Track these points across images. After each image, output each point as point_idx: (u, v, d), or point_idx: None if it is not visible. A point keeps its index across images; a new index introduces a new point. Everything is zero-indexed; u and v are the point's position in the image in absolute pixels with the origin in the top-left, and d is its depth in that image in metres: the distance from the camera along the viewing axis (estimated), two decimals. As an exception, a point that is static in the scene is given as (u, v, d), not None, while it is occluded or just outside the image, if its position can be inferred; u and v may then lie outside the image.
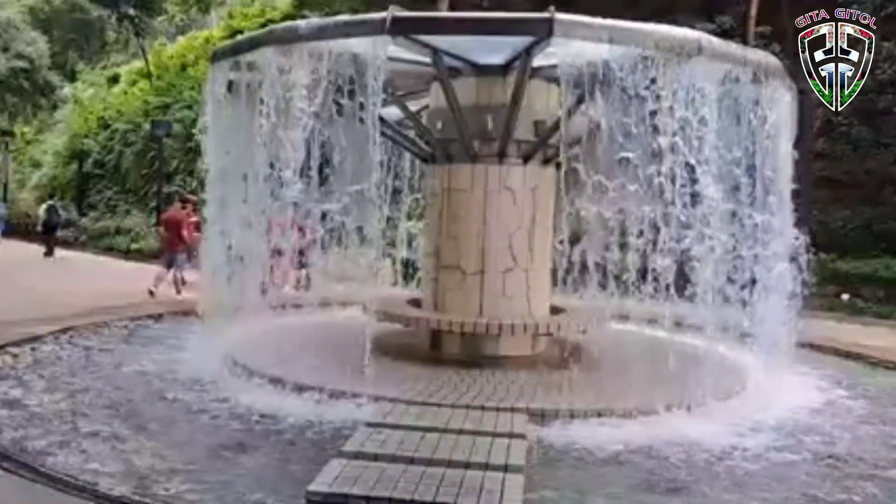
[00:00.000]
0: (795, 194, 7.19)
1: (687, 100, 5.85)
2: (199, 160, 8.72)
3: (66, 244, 23.20)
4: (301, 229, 7.59)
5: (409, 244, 10.71)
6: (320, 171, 6.61)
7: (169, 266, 12.46)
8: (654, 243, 5.90)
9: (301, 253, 9.96)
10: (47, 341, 7.74)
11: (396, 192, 9.21)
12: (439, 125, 7.39)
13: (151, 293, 11.84)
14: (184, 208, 12.94)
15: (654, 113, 5.90)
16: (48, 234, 20.21)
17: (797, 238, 6.84)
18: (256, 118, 6.45)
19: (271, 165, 6.48)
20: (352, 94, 6.25)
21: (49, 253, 19.71)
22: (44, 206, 21.43)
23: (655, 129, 5.92)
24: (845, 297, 14.13)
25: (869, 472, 4.89)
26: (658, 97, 5.86)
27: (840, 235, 15.39)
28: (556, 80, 6.58)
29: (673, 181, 5.82)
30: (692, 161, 5.83)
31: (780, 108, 6.78)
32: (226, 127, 7.44)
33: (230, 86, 7.28)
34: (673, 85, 5.83)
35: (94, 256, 20.89)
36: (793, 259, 6.79)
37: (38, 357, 7.17)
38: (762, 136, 6.57)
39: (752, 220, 6.44)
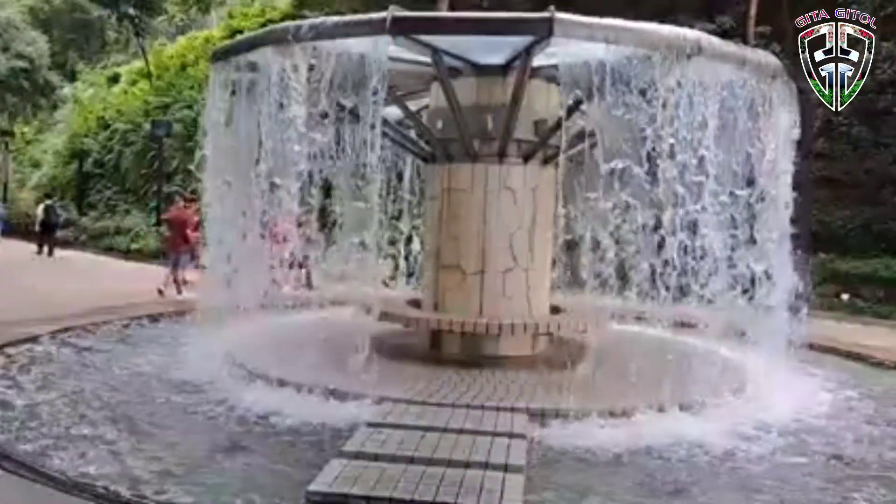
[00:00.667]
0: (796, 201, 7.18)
1: (686, 139, 5.83)
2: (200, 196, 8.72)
3: (66, 244, 23.20)
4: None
5: (409, 265, 10.76)
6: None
7: (175, 266, 12.51)
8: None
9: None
10: (45, 341, 7.70)
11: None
12: (439, 125, 7.38)
13: (161, 292, 11.91)
14: (187, 207, 12.94)
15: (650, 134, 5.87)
16: (46, 234, 20.42)
17: (797, 283, 6.83)
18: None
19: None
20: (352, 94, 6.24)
21: (42, 251, 19.97)
22: (41, 206, 21.55)
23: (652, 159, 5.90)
24: (845, 296, 14.14)
25: (872, 474, 4.88)
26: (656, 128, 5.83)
27: (840, 235, 15.40)
28: (555, 80, 6.58)
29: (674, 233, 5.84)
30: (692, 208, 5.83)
31: (780, 134, 6.76)
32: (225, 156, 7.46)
33: (233, 92, 7.28)
34: (672, 122, 5.80)
35: (94, 256, 20.89)
36: (793, 310, 6.76)
37: (36, 357, 7.14)
38: (761, 168, 6.54)
39: (749, 269, 6.41)
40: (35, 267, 17.08)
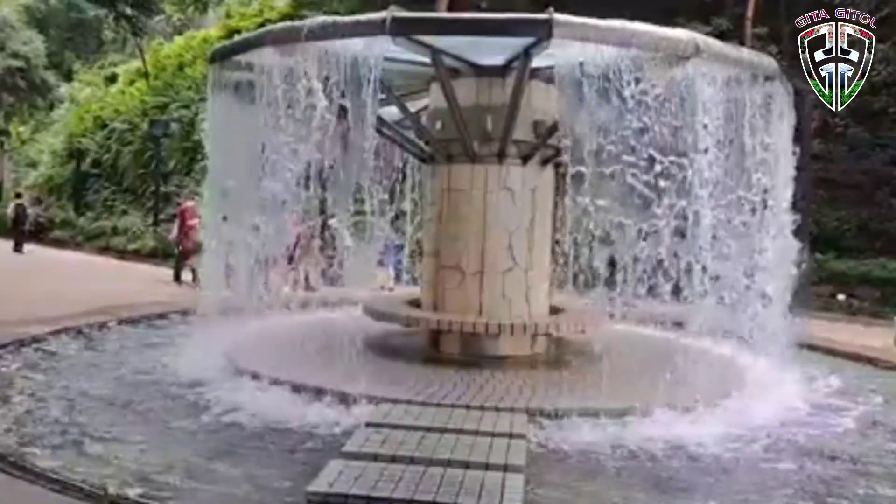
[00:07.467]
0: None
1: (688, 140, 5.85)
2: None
3: (62, 244, 23.21)
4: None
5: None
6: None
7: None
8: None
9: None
10: (42, 341, 7.65)
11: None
12: (439, 125, 7.39)
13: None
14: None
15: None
16: (18, 231, 20.84)
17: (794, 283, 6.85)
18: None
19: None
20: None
21: (18, 248, 20.33)
22: (11, 206, 21.82)
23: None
24: (841, 297, 14.21)
25: (871, 474, 4.89)
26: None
27: (836, 236, 15.47)
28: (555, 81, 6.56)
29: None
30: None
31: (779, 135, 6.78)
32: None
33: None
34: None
35: (91, 256, 20.86)
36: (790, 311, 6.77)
37: (33, 357, 7.09)
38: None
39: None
40: (30, 267, 17.01)
